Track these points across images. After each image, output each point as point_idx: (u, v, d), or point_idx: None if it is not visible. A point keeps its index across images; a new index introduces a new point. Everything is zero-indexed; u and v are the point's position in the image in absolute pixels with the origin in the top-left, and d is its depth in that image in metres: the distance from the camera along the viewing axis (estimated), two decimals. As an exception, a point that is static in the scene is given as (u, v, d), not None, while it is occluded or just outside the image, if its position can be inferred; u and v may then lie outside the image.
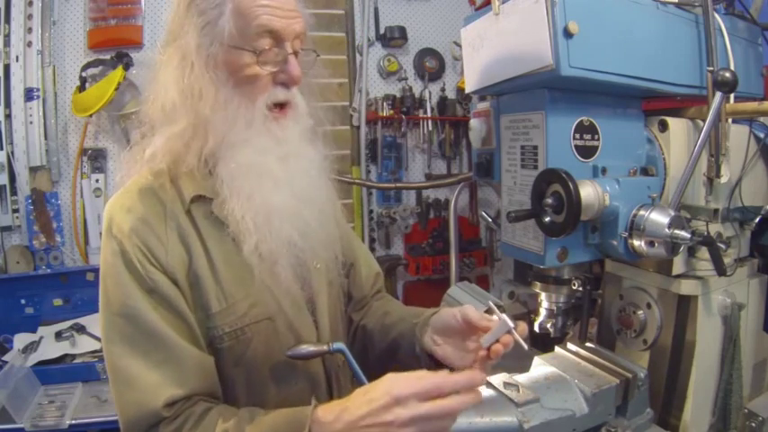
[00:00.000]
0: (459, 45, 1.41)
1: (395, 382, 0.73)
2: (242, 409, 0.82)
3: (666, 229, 0.92)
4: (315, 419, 0.74)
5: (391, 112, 2.97)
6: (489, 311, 1.01)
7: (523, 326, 0.84)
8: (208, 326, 0.86)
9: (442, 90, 3.11)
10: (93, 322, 2.29)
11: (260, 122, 0.88)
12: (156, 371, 0.81)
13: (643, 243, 0.95)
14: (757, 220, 1.17)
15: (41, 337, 2.24)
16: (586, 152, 1.00)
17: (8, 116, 2.45)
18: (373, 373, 0.81)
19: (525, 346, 0.80)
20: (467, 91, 1.13)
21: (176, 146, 0.88)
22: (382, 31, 3.01)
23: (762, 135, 1.16)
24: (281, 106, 0.91)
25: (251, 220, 0.87)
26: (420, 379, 0.73)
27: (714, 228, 1.09)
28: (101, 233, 2.71)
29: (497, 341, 0.81)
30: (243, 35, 0.86)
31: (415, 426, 0.70)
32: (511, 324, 0.79)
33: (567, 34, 0.87)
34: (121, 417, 0.82)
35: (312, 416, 0.74)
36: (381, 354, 1.05)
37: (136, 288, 0.82)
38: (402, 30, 3.01)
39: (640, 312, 1.16)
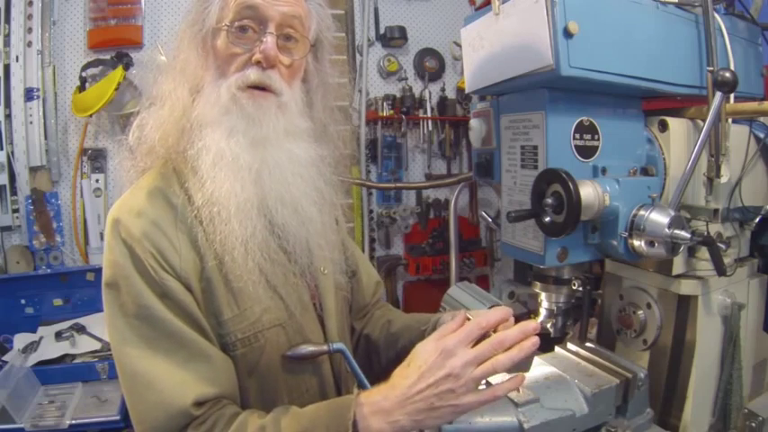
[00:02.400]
0: (459, 45, 1.41)
1: (437, 339, 0.73)
2: (277, 407, 0.80)
3: (666, 229, 0.92)
4: (359, 402, 0.73)
5: (391, 112, 2.97)
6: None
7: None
8: (219, 332, 0.84)
9: (442, 90, 3.11)
10: (93, 322, 2.29)
11: (228, 99, 0.85)
12: (182, 369, 0.77)
13: (643, 243, 0.95)
14: (757, 220, 1.16)
15: (41, 337, 2.24)
16: (586, 152, 1.00)
17: (8, 116, 2.46)
18: (379, 381, 0.82)
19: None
20: (467, 91, 1.13)
21: (167, 127, 0.87)
22: (382, 31, 3.01)
23: (762, 135, 1.16)
24: (260, 89, 0.87)
25: (205, 209, 0.83)
26: (459, 327, 0.74)
27: (714, 228, 1.09)
28: (101, 233, 2.74)
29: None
30: (225, 15, 0.86)
31: (472, 369, 0.70)
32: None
33: (567, 34, 0.87)
34: (142, 425, 0.77)
35: (356, 399, 0.73)
36: (389, 362, 1.03)
37: (149, 292, 0.79)
38: (402, 30, 3.02)
39: (640, 312, 1.16)
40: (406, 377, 0.72)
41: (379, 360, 1.07)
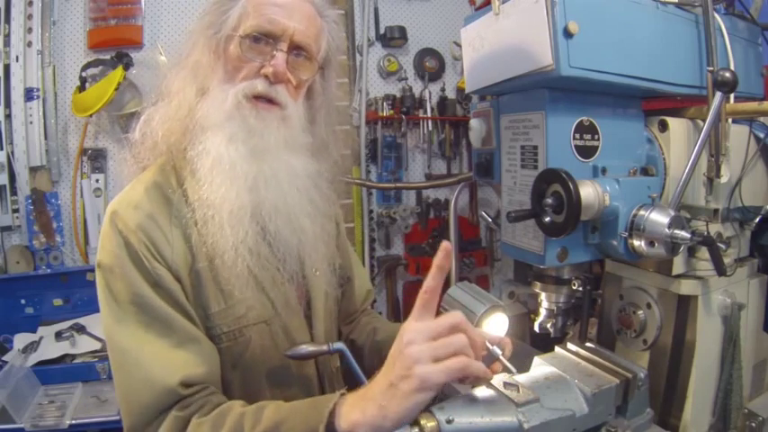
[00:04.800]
0: (459, 45, 1.41)
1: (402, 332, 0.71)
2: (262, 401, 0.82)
3: (666, 229, 0.92)
4: (340, 402, 0.73)
5: (391, 112, 2.97)
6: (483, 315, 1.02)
7: (509, 346, 0.87)
8: (207, 325, 0.87)
9: (442, 90, 3.11)
10: (94, 322, 2.29)
11: (232, 105, 0.88)
12: (171, 351, 0.80)
13: (643, 243, 0.95)
14: (757, 220, 1.16)
15: (41, 337, 2.24)
16: (586, 152, 1.00)
17: (8, 116, 2.46)
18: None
19: (514, 371, 0.82)
20: (467, 91, 1.13)
21: (172, 124, 0.89)
22: (382, 31, 3.01)
23: (762, 135, 1.16)
24: (266, 101, 0.90)
25: (200, 211, 0.86)
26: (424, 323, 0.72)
27: (714, 228, 1.09)
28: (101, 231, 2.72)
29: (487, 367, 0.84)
30: (242, 26, 0.88)
31: (415, 344, 0.68)
32: (498, 352, 0.82)
33: (567, 34, 0.87)
34: (127, 403, 0.79)
35: (339, 399, 0.73)
36: (373, 369, 1.05)
37: (142, 281, 0.82)
38: (402, 30, 3.01)
39: (640, 312, 1.16)
40: (383, 374, 0.72)
41: (362, 365, 1.09)
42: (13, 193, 2.50)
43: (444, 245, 0.71)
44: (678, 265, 1.07)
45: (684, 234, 0.92)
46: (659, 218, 0.94)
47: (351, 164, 2.83)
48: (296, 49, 0.91)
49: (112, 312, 0.83)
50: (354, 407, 0.71)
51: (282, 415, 0.75)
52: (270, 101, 0.90)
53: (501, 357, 0.82)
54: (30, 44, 2.46)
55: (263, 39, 0.88)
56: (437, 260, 0.71)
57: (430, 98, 3.05)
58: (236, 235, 0.86)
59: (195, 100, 0.90)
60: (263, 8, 0.88)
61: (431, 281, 0.72)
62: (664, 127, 1.08)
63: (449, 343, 0.68)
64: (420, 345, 0.67)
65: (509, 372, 0.82)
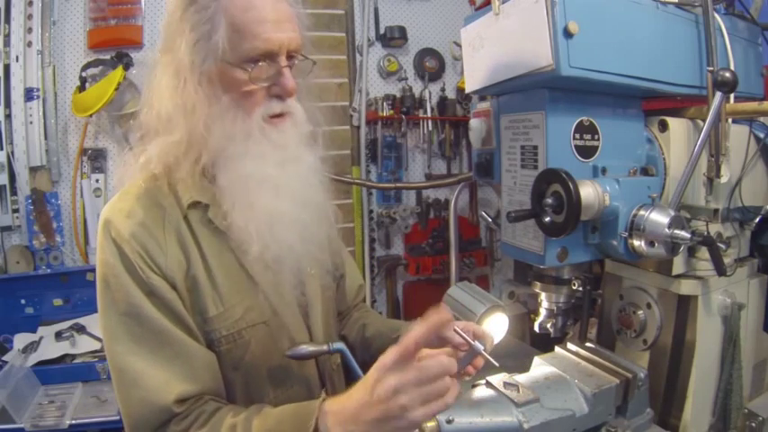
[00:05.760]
0: (459, 45, 1.41)
1: (381, 357, 0.73)
2: (252, 406, 0.83)
3: (666, 229, 0.92)
4: (323, 410, 0.74)
5: (391, 112, 2.97)
6: (481, 316, 1.02)
7: (491, 340, 0.87)
8: (205, 330, 0.87)
9: (442, 90, 3.11)
10: (94, 322, 2.29)
11: (258, 133, 0.89)
12: (165, 367, 0.81)
13: (643, 243, 0.95)
14: (757, 220, 1.17)
15: (41, 337, 2.24)
16: (586, 152, 1.00)
17: (8, 116, 2.45)
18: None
19: (497, 365, 0.81)
20: (467, 91, 1.13)
21: (170, 156, 0.89)
22: (382, 31, 3.01)
23: (762, 135, 1.16)
24: (278, 115, 0.91)
25: (254, 229, 0.87)
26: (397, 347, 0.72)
27: (714, 228, 1.09)
28: (101, 233, 2.71)
29: (470, 363, 0.84)
30: (236, 51, 0.86)
31: (405, 394, 0.68)
32: (480, 347, 0.81)
33: (567, 34, 0.87)
34: (128, 418, 0.82)
35: (321, 407, 0.75)
36: (364, 365, 1.05)
37: (137, 290, 0.83)
38: (402, 30, 3.01)
39: (640, 312, 1.16)
40: (360, 390, 0.73)
41: (356, 360, 1.10)
42: (13, 193, 2.50)
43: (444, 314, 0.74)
44: (678, 265, 1.08)
45: (684, 234, 0.92)
46: (659, 218, 0.94)
47: (345, 159, 2.82)
48: (291, 56, 0.91)
49: (109, 328, 0.84)
50: (339, 427, 0.72)
51: (270, 425, 0.77)
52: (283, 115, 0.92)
53: (483, 352, 0.81)
54: (30, 44, 2.46)
55: (263, 59, 0.87)
56: (434, 320, 0.73)
57: (430, 98, 3.05)
58: (263, 243, 0.88)
59: (203, 133, 0.87)
60: (252, 27, 0.85)
61: (422, 335, 0.71)
62: (664, 127, 1.08)
63: (435, 389, 0.71)
64: (411, 394, 0.69)
65: (492, 365, 0.81)
